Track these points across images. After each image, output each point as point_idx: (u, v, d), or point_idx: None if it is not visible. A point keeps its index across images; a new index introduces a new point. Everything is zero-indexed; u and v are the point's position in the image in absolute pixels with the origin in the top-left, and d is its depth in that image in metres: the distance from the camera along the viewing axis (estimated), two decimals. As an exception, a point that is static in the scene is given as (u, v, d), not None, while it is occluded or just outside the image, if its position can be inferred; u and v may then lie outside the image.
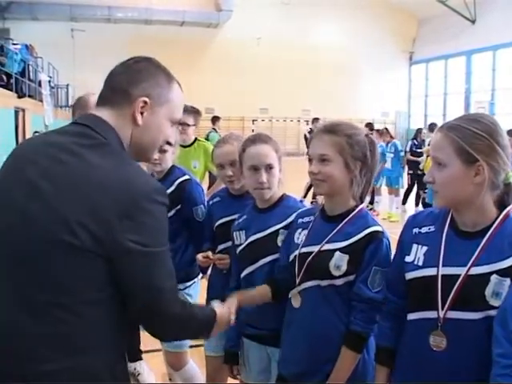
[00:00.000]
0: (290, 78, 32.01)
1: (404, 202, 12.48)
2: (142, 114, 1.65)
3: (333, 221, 2.20)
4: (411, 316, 1.89)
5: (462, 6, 29.09)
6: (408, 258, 1.90)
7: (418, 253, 1.88)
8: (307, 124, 25.87)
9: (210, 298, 3.10)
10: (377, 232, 2.13)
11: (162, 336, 1.83)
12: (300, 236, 2.29)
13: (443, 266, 1.79)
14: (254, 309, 2.49)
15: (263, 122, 32.07)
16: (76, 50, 28.10)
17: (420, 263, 1.86)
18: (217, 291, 2.98)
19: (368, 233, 2.13)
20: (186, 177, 3.35)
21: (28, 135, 16.73)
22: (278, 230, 2.50)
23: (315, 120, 14.08)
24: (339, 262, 2.11)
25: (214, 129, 13.91)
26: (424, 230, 1.91)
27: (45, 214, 1.50)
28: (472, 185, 1.74)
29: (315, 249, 2.18)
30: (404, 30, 34.69)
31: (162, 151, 3.22)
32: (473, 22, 29.83)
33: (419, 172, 11.71)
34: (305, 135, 17.62)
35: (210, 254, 2.86)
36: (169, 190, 3.19)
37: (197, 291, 3.43)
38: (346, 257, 2.11)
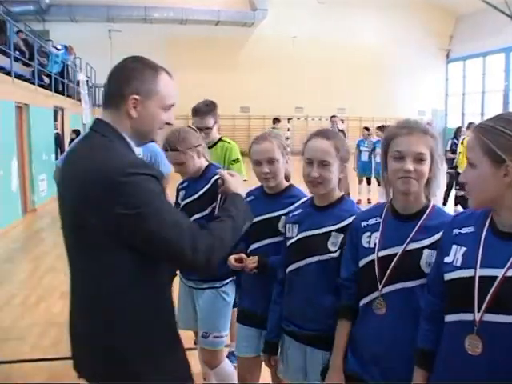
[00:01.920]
0: (326, 76, 31.89)
1: (444, 202, 12.30)
2: (135, 108, 1.91)
3: (409, 219, 2.17)
4: (448, 318, 1.87)
5: (501, 1, 28.53)
6: (447, 259, 1.88)
7: (457, 253, 1.86)
8: (342, 123, 25.75)
9: (240, 299, 3.15)
10: None
11: (213, 269, 1.95)
12: (371, 239, 2.24)
13: (481, 267, 1.76)
14: (295, 308, 2.53)
15: (298, 121, 31.98)
16: (113, 50, 28.41)
17: (458, 264, 1.83)
18: (247, 291, 3.05)
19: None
20: None
21: (67, 133, 17.10)
22: (330, 231, 2.48)
23: (333, 117, 14.07)
24: (430, 259, 2.08)
25: (273, 128, 14.82)
26: (464, 230, 1.89)
27: (64, 207, 1.93)
28: (502, 185, 1.72)
29: (398, 250, 2.14)
30: (441, 28, 34.22)
31: (180, 164, 3.32)
32: (512, 18, 29.25)
33: (453, 171, 11.62)
34: None
35: (243, 255, 2.88)
36: (205, 188, 3.32)
37: (233, 289, 3.46)
38: (435, 253, 2.06)
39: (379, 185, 11.92)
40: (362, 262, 2.25)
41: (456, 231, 1.91)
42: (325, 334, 2.42)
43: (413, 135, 2.12)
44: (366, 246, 2.25)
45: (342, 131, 14.44)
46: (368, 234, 2.25)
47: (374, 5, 32.09)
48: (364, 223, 2.29)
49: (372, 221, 2.27)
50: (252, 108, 31.88)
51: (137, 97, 1.89)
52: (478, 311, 1.74)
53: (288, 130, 29.12)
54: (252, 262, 2.84)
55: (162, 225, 1.76)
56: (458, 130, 13.13)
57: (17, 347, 4.86)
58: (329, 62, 31.90)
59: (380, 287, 2.16)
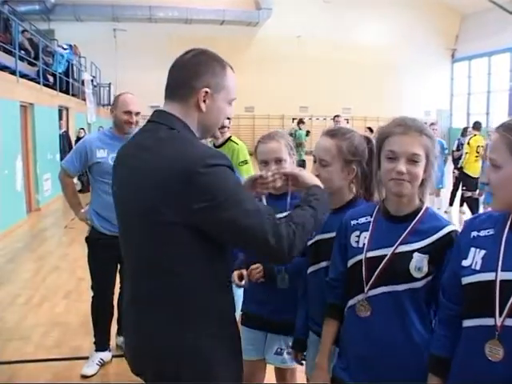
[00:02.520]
0: (331, 76, 31.85)
1: (451, 202, 12.23)
2: (204, 101, 1.91)
3: (401, 221, 2.09)
4: (466, 323, 1.81)
5: (507, 0, 28.42)
6: (465, 262, 1.83)
7: (475, 257, 1.80)
8: (347, 122, 25.68)
9: (244, 303, 3.07)
10: (455, 231, 2.07)
11: (288, 259, 1.88)
12: (360, 239, 2.16)
13: (502, 270, 1.70)
14: (315, 309, 2.49)
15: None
16: (118, 50, 28.50)
17: (477, 267, 1.78)
18: (252, 295, 2.98)
19: (447, 232, 2.05)
20: None
21: (72, 132, 17.11)
22: None
23: (336, 117, 13.94)
24: (420, 264, 2.02)
25: (298, 127, 16.06)
26: (483, 233, 1.83)
27: (135, 204, 1.87)
28: None
29: (387, 252, 2.06)
30: (446, 27, 34.14)
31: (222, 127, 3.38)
32: (517, 17, 29.11)
33: (459, 171, 11.59)
34: None
35: (243, 272, 2.82)
36: None
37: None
38: (426, 257, 2.01)
39: None
40: (350, 262, 2.19)
41: (474, 234, 1.85)
42: None
43: (408, 135, 2.03)
44: (354, 245, 2.18)
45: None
46: (357, 233, 2.18)
47: (379, 4, 32.04)
48: (354, 222, 2.21)
49: (362, 220, 2.20)
50: (257, 108, 31.86)
51: (208, 90, 1.91)
52: (500, 316, 1.69)
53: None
54: (257, 271, 2.78)
55: (244, 213, 1.75)
56: (465, 130, 13.07)
57: (20, 347, 4.84)
58: (334, 61, 31.86)
59: (366, 289, 2.09)
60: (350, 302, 2.17)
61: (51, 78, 15.60)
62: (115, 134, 4.26)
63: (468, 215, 11.13)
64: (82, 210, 4.44)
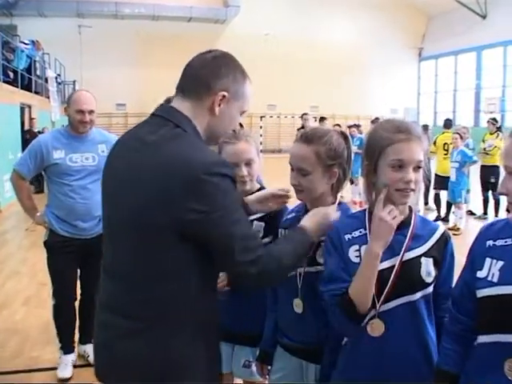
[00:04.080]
0: (298, 74, 31.89)
1: (426, 201, 12.19)
2: (219, 105, 1.83)
3: (398, 228, 1.95)
4: (482, 339, 1.69)
5: (473, 1, 28.81)
6: (480, 274, 1.71)
7: (492, 268, 1.68)
8: (315, 121, 25.69)
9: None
10: (447, 231, 2.06)
11: (259, 286, 1.94)
12: (361, 253, 1.97)
13: None
14: (288, 320, 2.33)
15: (271, 119, 31.91)
16: (83, 47, 28.04)
17: (495, 279, 1.66)
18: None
19: (442, 233, 2.01)
20: None
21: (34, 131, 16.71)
22: (320, 241, 2.22)
23: (304, 115, 13.80)
24: (429, 268, 1.95)
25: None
26: (499, 242, 1.71)
27: (128, 199, 1.74)
28: None
29: (394, 262, 1.94)
30: (413, 26, 34.47)
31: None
32: (483, 17, 29.53)
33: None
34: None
35: None
36: None
37: None
38: (431, 260, 1.94)
39: (352, 183, 11.76)
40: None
41: (490, 243, 1.73)
42: (319, 347, 2.19)
43: (412, 141, 1.93)
44: (355, 261, 1.98)
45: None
46: (356, 247, 2.00)
47: (347, 3, 32.21)
48: (348, 236, 2.03)
49: (356, 233, 2.03)
50: (225, 106, 31.72)
51: (226, 94, 1.82)
52: None
53: (261, 127, 29.02)
54: (220, 280, 2.53)
55: (232, 235, 1.69)
56: (425, 128, 12.91)
57: (-26, 359, 4.58)
58: (301, 59, 31.90)
59: (378, 305, 1.91)
60: None
61: (12, 75, 15.21)
62: (71, 133, 4.07)
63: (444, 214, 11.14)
64: (38, 214, 4.21)
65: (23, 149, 14.78)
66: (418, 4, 33.57)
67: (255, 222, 2.61)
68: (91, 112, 4.00)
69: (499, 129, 11.91)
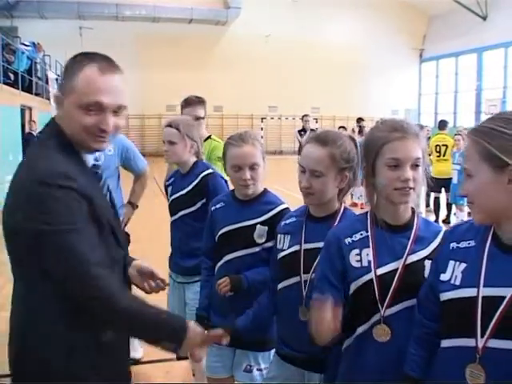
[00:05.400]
0: (300, 75, 31.85)
1: (427, 204, 12.08)
2: (61, 106, 1.76)
3: (401, 231, 1.95)
4: (445, 343, 1.65)
5: (473, 2, 28.78)
6: (443, 277, 1.67)
7: (455, 270, 1.64)
8: (316, 122, 25.66)
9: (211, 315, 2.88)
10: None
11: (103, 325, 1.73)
12: (362, 257, 1.94)
13: (484, 286, 1.55)
14: (291, 329, 2.29)
15: (272, 120, 31.87)
16: (84, 48, 27.18)
17: (457, 282, 1.62)
18: (219, 308, 2.79)
19: (442, 235, 1.95)
20: (210, 170, 3.38)
21: (35, 133, 16.67)
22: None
23: (305, 116, 13.78)
24: None
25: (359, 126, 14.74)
26: (463, 244, 1.67)
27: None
28: (506, 193, 1.52)
29: (397, 265, 1.90)
30: (414, 28, 34.42)
31: (171, 144, 3.36)
32: (484, 18, 29.50)
33: None
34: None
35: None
36: (192, 184, 3.34)
37: None
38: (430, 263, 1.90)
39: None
40: (355, 285, 1.94)
41: (453, 245, 1.70)
42: (323, 356, 2.15)
43: (408, 139, 1.89)
44: (356, 265, 1.94)
45: (313, 130, 14.26)
46: (356, 251, 1.96)
47: (348, 4, 32.14)
48: (348, 240, 1.98)
49: (357, 236, 1.98)
50: (225, 107, 31.63)
51: (59, 94, 1.77)
52: (482, 336, 1.53)
53: (262, 129, 28.98)
54: (223, 284, 2.59)
55: (72, 250, 1.60)
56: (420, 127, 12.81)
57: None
58: (303, 60, 31.86)
59: (382, 310, 1.88)
60: (361, 329, 1.94)
61: (12, 77, 15.20)
62: None
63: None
64: None
65: (23, 150, 14.79)
66: (419, 5, 33.52)
67: (258, 226, 2.60)
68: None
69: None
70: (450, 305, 1.63)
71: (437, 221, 10.83)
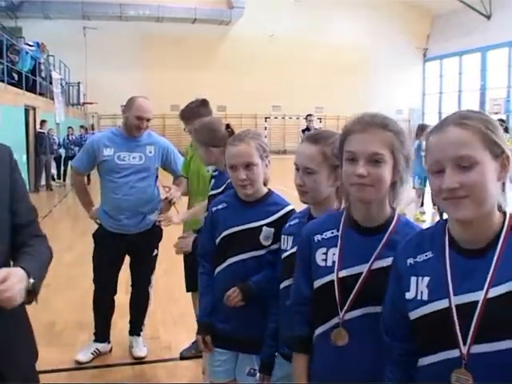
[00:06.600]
0: (303, 75, 31.82)
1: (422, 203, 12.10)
2: None
3: (373, 233, 1.83)
4: (426, 360, 1.56)
5: (477, 1, 28.72)
6: (408, 295, 1.57)
7: (419, 286, 1.55)
8: (320, 121, 25.64)
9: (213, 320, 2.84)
10: None
11: None
12: (328, 257, 1.86)
13: (455, 294, 1.48)
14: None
15: (276, 120, 31.87)
16: (88, 48, 28.07)
17: (425, 297, 1.53)
18: (222, 312, 2.71)
19: None
20: None
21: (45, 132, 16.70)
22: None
23: (308, 116, 13.53)
24: None
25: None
26: (421, 258, 1.57)
27: None
28: (496, 183, 1.44)
29: (362, 269, 1.80)
30: (418, 27, 34.37)
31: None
32: (488, 17, 29.44)
33: None
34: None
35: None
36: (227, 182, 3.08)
37: None
38: None
39: None
40: (317, 284, 1.89)
41: (410, 261, 1.59)
42: None
43: (367, 132, 1.74)
44: (321, 264, 1.88)
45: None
46: (323, 250, 1.89)
47: (352, 4, 32.10)
48: (317, 237, 1.91)
49: (327, 234, 1.90)
50: (229, 107, 31.63)
51: None
52: (464, 344, 1.46)
53: (265, 128, 28.98)
54: (234, 295, 2.54)
55: None
56: (421, 129, 12.31)
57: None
58: (306, 60, 31.83)
59: (341, 313, 1.82)
60: (320, 330, 1.89)
61: (16, 77, 15.22)
62: (124, 135, 4.28)
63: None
64: (93, 208, 4.47)
65: (27, 150, 14.80)
66: (423, 5, 33.46)
67: (265, 228, 2.57)
68: (148, 120, 4.20)
69: (506, 130, 11.80)
70: (423, 321, 1.55)
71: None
